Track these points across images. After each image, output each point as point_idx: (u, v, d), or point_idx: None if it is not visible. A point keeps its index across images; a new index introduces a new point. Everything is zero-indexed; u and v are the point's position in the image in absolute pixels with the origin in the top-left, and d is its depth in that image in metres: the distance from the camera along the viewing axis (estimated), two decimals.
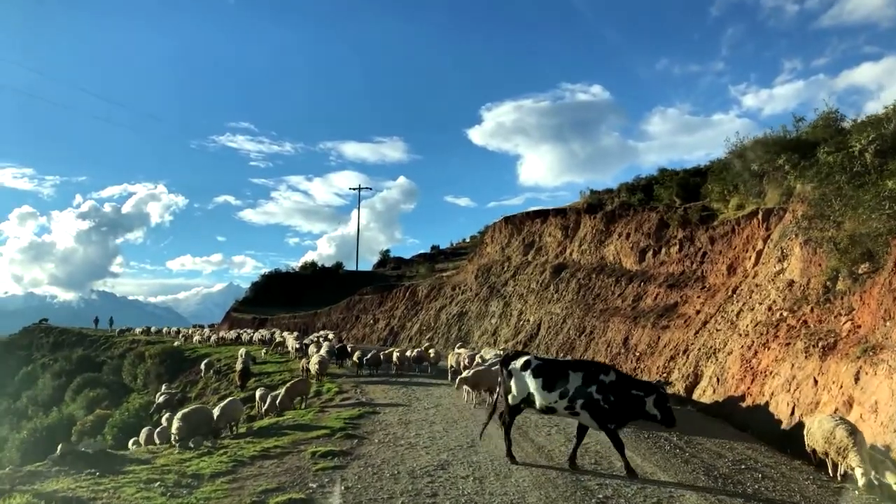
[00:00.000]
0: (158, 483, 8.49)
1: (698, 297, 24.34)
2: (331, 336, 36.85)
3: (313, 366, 21.68)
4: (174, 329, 62.77)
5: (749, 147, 26.78)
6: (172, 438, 12.62)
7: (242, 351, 31.76)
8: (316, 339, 35.09)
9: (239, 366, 26.19)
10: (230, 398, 17.48)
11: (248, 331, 47.86)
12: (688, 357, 21.73)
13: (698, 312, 23.39)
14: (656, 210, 30.40)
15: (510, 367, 10.45)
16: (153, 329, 64.91)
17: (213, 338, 44.30)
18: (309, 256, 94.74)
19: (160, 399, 30.69)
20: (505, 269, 39.19)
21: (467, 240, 75.56)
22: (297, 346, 31.41)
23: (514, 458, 10.18)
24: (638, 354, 24.43)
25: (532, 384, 9.98)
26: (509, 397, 10.36)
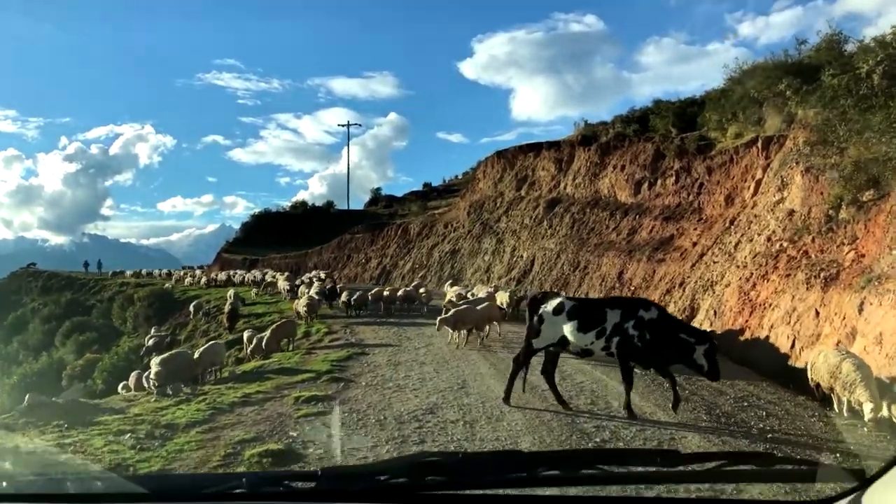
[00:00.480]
0: (130, 434, 8.00)
1: (695, 229, 23.80)
2: (322, 276, 36.33)
3: (301, 307, 21.18)
4: (164, 271, 62.20)
5: (748, 72, 25.82)
6: (151, 384, 12.17)
7: (231, 292, 31.29)
8: (308, 279, 34.63)
9: (227, 307, 25.74)
10: (212, 342, 17.05)
11: (240, 272, 47.35)
12: (684, 290, 21.32)
13: (695, 245, 22.88)
14: (652, 140, 29.54)
15: (541, 311, 9.62)
16: (144, 271, 64.40)
17: (203, 279, 43.69)
18: (301, 196, 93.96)
19: (150, 342, 30.31)
20: (497, 205, 38.49)
21: (460, 176, 74.43)
22: (288, 286, 30.94)
23: (509, 401, 9.65)
24: (633, 288, 24.01)
25: (567, 327, 9.29)
26: (533, 341, 9.66)
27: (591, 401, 9.76)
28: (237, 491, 2.02)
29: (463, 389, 10.61)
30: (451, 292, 23.14)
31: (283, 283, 32.02)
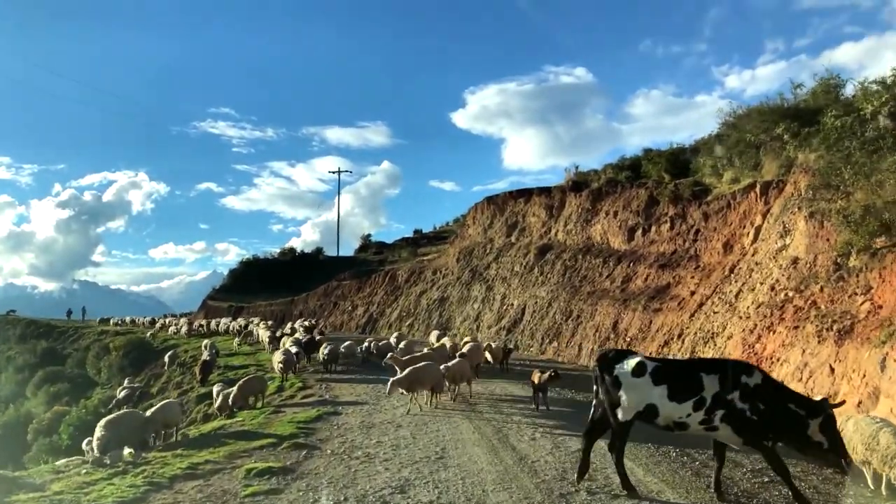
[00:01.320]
0: None
1: (692, 277, 22.74)
2: (306, 324, 34.94)
3: (276, 363, 19.63)
4: (148, 319, 60.45)
5: (744, 117, 25.15)
6: (93, 450, 10.78)
7: (207, 342, 29.88)
8: (290, 328, 33.19)
9: (201, 359, 24.29)
10: (167, 400, 15.68)
11: (224, 320, 45.79)
12: (683, 342, 20.13)
13: (693, 294, 21.79)
14: (645, 186, 28.72)
15: (616, 371, 7.80)
16: (128, 319, 62.50)
17: (184, 328, 41.93)
18: (293, 243, 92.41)
19: (120, 394, 28.72)
20: (487, 251, 37.44)
21: (451, 223, 73.58)
22: (269, 336, 29.48)
23: (635, 490, 7.79)
24: (629, 339, 22.80)
25: (654, 393, 7.53)
26: (619, 412, 7.69)
27: (588, 474, 8.48)
28: None
29: (441, 460, 9.29)
30: (434, 341, 21.91)
31: (263, 333, 30.57)
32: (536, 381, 14.03)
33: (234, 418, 14.21)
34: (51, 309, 62.70)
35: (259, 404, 15.88)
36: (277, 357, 19.57)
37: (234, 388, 15.83)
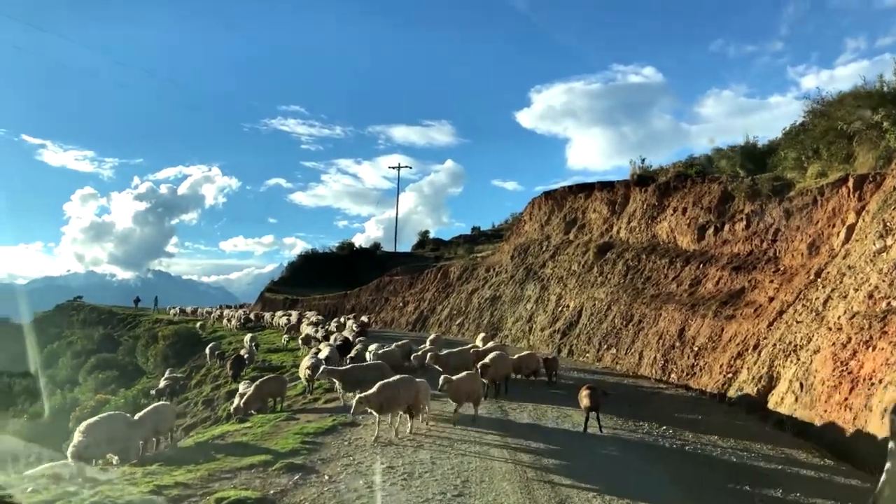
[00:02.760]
0: None
1: (771, 281, 20.21)
2: (364, 319, 33.50)
3: (303, 371, 17.69)
4: (206, 309, 60.43)
5: (834, 104, 22.45)
6: (69, 456, 9.44)
7: (249, 337, 28.90)
8: (337, 324, 31.76)
9: (240, 353, 23.12)
10: (159, 403, 14.39)
11: (279, 313, 44.98)
12: (759, 354, 17.71)
13: (771, 300, 19.29)
14: (718, 181, 26.18)
15: None
16: (189, 308, 62.47)
17: (235, 321, 40.83)
18: (357, 239, 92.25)
19: (161, 384, 28.06)
20: (544, 248, 35.34)
21: (509, 220, 71.52)
22: (313, 332, 28.04)
23: None
24: (696, 349, 20.46)
25: None
26: None
27: None
28: None
29: (460, 499, 7.50)
30: (480, 344, 20.17)
31: (305, 329, 29.08)
32: (587, 402, 12.03)
33: (245, 423, 12.76)
34: (127, 297, 63.38)
35: (278, 407, 14.44)
36: (306, 363, 17.73)
37: (251, 389, 14.43)
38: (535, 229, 37.74)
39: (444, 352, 18.20)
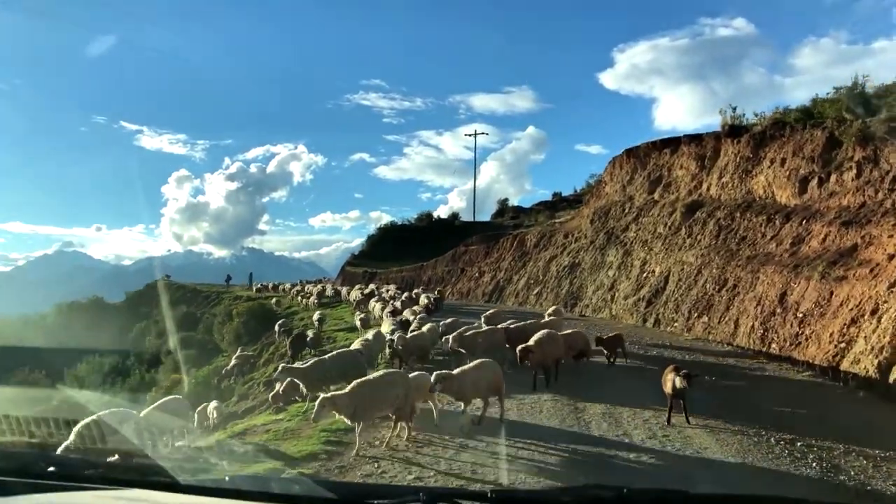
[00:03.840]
0: None
1: (890, 236, 17.47)
2: (431, 296, 32.14)
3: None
4: (286, 284, 60.80)
5: None
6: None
7: (318, 314, 28.15)
8: (407, 297, 30.36)
9: (297, 331, 22.25)
10: (170, 397, 13.50)
11: (358, 286, 44.17)
12: (879, 321, 15.21)
13: (892, 258, 16.65)
14: (822, 127, 23.20)
15: None
16: (270, 284, 62.70)
17: (313, 298, 39.51)
18: (440, 210, 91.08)
19: (231, 363, 27.78)
20: (626, 210, 32.96)
21: (590, 182, 68.49)
22: (380, 308, 26.61)
23: None
24: (800, 316, 18.01)
25: None
26: None
27: None
28: None
29: None
30: (547, 316, 18.42)
31: (375, 307, 27.14)
32: (676, 385, 10.15)
33: (279, 414, 11.66)
34: (222, 274, 64.34)
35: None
36: (355, 345, 16.09)
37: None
38: (617, 190, 35.31)
39: (470, 332, 15.39)
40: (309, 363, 12.72)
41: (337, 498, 2.19)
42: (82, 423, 8.69)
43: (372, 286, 42.96)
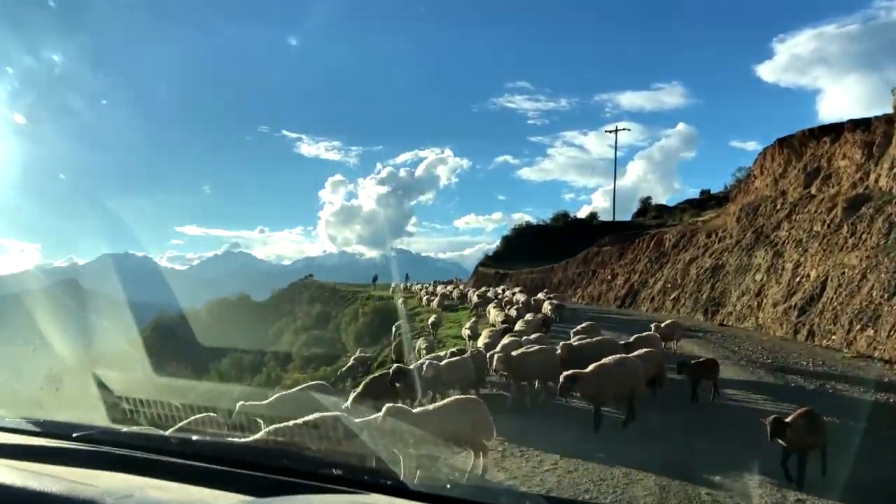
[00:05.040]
0: None
1: None
2: (554, 302, 30.02)
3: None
4: (421, 284, 60.49)
5: None
6: None
7: (433, 318, 26.94)
8: (528, 301, 28.40)
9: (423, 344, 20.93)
10: (315, 382, 12.52)
11: (490, 289, 42.90)
12: None
13: None
14: None
15: None
16: (411, 284, 62.13)
17: (436, 300, 38.25)
18: (583, 211, 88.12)
19: (349, 364, 27.35)
20: (778, 207, 29.34)
21: (739, 177, 63.05)
22: (502, 316, 24.88)
23: None
24: None
25: None
26: None
27: None
28: None
29: None
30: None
31: (494, 314, 25.21)
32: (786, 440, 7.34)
33: None
34: (371, 274, 65.10)
35: None
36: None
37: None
38: (768, 184, 31.63)
39: (518, 352, 12.75)
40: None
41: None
42: (319, 416, 7.74)
43: (496, 289, 41.53)
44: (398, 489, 2.19)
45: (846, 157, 26.76)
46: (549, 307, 26.05)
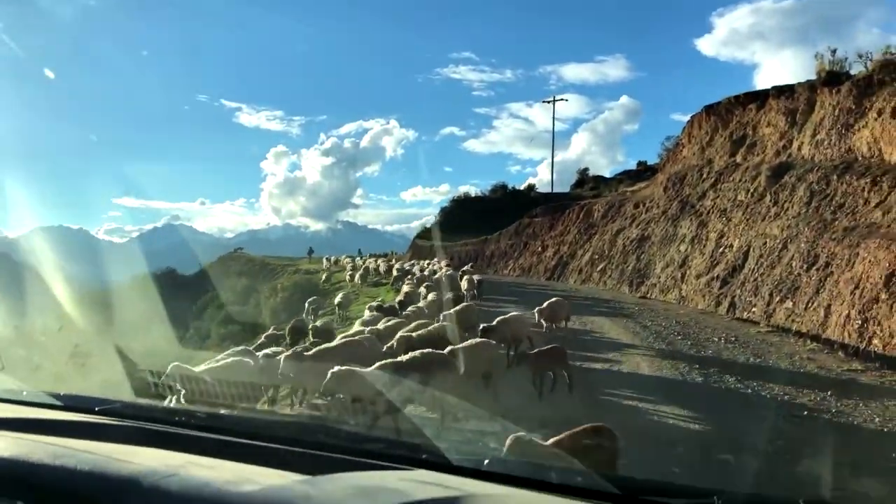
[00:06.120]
0: None
1: None
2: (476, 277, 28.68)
3: None
4: (345, 258, 58.26)
5: None
6: None
7: (339, 297, 25.37)
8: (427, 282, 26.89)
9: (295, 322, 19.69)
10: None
11: (417, 263, 41.52)
12: None
13: None
14: None
15: None
16: (333, 258, 60.37)
17: (358, 274, 36.20)
18: (530, 183, 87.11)
19: (258, 342, 25.80)
20: (704, 176, 28.79)
21: (668, 147, 63.01)
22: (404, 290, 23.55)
23: None
24: None
25: None
26: None
27: None
28: None
29: None
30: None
31: (404, 288, 24.15)
32: None
33: None
34: (319, 247, 62.86)
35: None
36: None
37: None
38: (695, 153, 31.07)
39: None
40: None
41: (622, 494, 1.96)
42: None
43: (423, 262, 40.17)
44: (441, 464, 2.13)
45: (770, 124, 26.28)
46: (466, 284, 24.48)
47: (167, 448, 2.05)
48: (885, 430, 9.20)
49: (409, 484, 1.87)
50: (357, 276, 35.13)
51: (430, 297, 18.61)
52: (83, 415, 2.45)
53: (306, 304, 26.52)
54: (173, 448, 2.05)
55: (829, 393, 10.91)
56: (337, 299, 24.14)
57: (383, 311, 17.06)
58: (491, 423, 7.69)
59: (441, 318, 13.78)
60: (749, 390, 11.14)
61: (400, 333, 11.66)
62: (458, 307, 15.34)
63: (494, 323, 12.86)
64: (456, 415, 8.36)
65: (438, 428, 7.08)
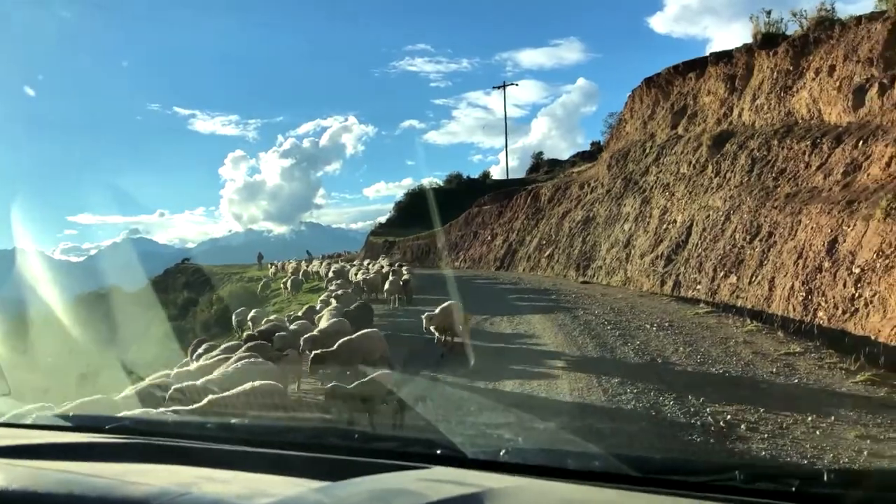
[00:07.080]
0: None
1: None
2: (405, 272, 26.58)
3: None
4: (292, 262, 56.10)
5: None
6: None
7: (253, 312, 22.73)
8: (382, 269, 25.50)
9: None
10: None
11: (354, 263, 40.02)
12: None
13: None
14: (883, 19, 17.74)
15: None
16: (281, 262, 58.13)
17: (288, 279, 33.21)
18: (492, 171, 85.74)
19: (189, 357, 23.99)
20: (647, 151, 27.71)
21: (612, 123, 62.19)
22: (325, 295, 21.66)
23: None
24: (857, 270, 12.97)
25: None
26: None
27: None
28: (730, 484, 1.83)
29: None
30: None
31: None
32: None
33: None
34: (283, 250, 60.55)
35: None
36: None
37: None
38: (637, 128, 29.99)
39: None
40: None
41: (640, 476, 1.95)
42: None
43: (363, 262, 38.59)
44: (456, 459, 2.10)
45: (710, 92, 25.27)
46: (390, 286, 22.37)
47: (179, 463, 2.04)
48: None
49: (427, 484, 1.83)
50: (289, 282, 32.47)
51: (326, 312, 16.47)
52: (93, 434, 2.45)
53: (233, 318, 24.30)
54: (185, 462, 2.05)
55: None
56: (251, 314, 21.60)
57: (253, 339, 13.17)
58: (504, 414, 8.30)
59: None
60: (665, 406, 8.84)
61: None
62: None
63: (354, 336, 11.45)
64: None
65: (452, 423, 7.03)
